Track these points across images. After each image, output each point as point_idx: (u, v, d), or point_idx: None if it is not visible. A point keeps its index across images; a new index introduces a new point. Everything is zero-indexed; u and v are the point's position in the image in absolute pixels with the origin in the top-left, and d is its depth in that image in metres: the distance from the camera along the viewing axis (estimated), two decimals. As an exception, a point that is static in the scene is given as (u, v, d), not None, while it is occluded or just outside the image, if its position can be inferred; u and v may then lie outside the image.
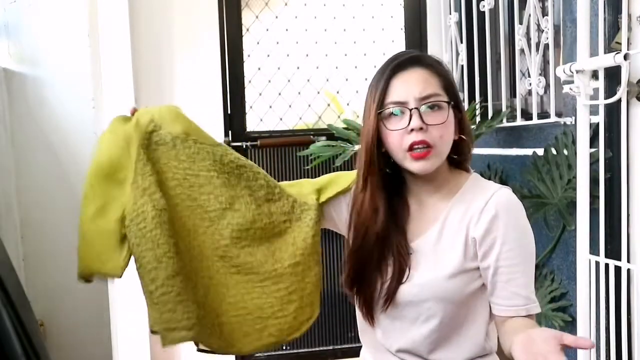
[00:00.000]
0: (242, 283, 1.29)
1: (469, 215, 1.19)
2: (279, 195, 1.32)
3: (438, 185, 1.25)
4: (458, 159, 1.26)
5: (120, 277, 1.26)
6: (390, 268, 1.23)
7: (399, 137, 1.18)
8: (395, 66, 1.21)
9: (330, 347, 2.96)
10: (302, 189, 1.35)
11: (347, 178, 1.34)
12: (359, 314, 1.32)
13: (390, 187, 1.27)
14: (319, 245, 1.33)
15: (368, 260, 1.25)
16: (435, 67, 1.22)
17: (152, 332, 1.20)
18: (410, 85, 1.19)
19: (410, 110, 1.17)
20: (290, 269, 1.30)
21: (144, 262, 1.20)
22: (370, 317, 1.27)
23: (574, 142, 1.99)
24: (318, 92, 3.01)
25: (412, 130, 1.16)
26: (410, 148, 1.17)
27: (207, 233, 1.28)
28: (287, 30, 2.98)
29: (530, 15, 2.30)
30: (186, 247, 1.26)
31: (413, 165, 1.19)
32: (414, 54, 1.25)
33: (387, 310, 1.24)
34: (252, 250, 1.29)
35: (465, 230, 1.19)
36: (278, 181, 1.36)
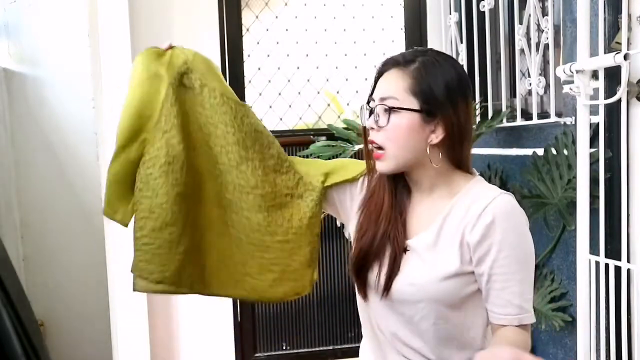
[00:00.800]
0: (233, 238, 1.33)
1: (466, 219, 1.19)
2: (286, 169, 1.35)
3: (432, 185, 1.25)
4: (452, 160, 1.24)
5: (127, 226, 1.32)
6: (387, 259, 1.24)
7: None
8: (380, 65, 1.25)
9: (330, 347, 2.96)
10: (311, 169, 1.37)
11: (356, 167, 1.36)
12: (359, 300, 1.33)
13: (397, 180, 1.28)
14: (317, 227, 1.35)
15: (371, 243, 1.26)
16: (416, 68, 1.19)
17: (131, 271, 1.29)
18: (381, 85, 1.23)
19: (371, 109, 1.22)
20: (279, 245, 1.33)
21: (140, 208, 1.26)
22: (363, 292, 1.29)
23: (574, 142, 1.99)
24: (318, 92, 3.01)
25: (371, 128, 1.21)
26: (371, 144, 1.23)
27: (216, 181, 1.32)
28: (287, 30, 2.98)
29: (530, 15, 2.30)
30: (196, 189, 1.30)
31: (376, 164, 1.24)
32: (399, 54, 1.25)
33: (385, 300, 1.24)
34: (248, 215, 1.32)
35: (461, 234, 1.19)
36: None
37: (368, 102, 1.25)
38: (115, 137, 1.28)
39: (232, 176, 1.30)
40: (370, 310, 1.30)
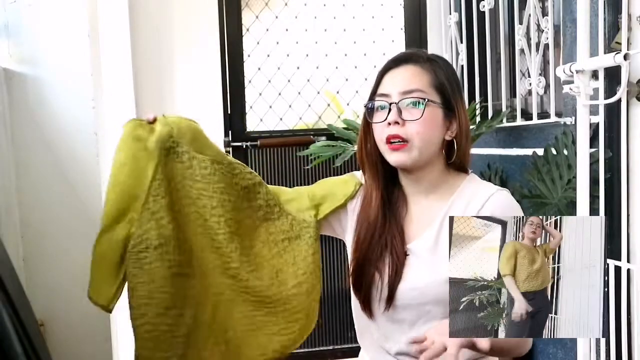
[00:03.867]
0: (251, 302, 1.29)
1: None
2: (278, 215, 1.32)
3: (431, 186, 1.25)
4: (451, 160, 1.26)
5: (110, 312, 1.24)
6: (387, 268, 1.24)
7: (380, 130, 1.22)
8: (389, 63, 1.25)
9: (330, 347, 2.96)
10: (301, 204, 1.34)
11: (344, 189, 1.34)
12: (356, 312, 1.32)
13: (389, 186, 1.28)
14: (319, 262, 1.33)
15: (368, 257, 1.26)
16: (430, 65, 1.23)
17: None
18: (396, 80, 1.22)
19: (390, 104, 1.20)
20: (295, 289, 1.30)
21: (137, 294, 1.19)
22: (368, 310, 1.28)
23: (574, 142, 1.99)
24: (318, 92, 3.01)
25: (389, 123, 1.20)
26: (388, 141, 1.20)
27: (217, 253, 1.27)
28: (287, 30, 2.98)
29: (530, 15, 2.30)
30: (197, 264, 1.25)
31: (390, 157, 1.22)
32: (410, 51, 1.28)
33: (388, 311, 1.24)
34: (258, 275, 1.28)
35: None
36: (278, 183, 1.36)
37: (372, 99, 1.24)
38: (102, 216, 1.21)
39: (235, 243, 1.27)
40: (374, 325, 1.29)
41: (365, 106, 1.26)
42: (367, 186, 1.30)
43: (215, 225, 1.26)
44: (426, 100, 1.19)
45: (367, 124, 1.26)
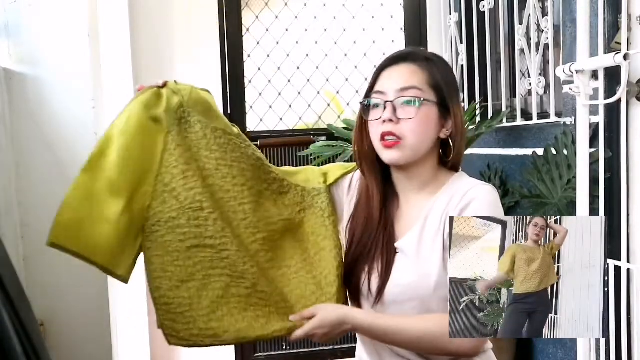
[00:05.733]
0: (279, 277, 1.26)
1: (446, 211, 1.20)
2: (287, 188, 1.32)
3: (422, 183, 1.26)
4: (445, 159, 1.27)
5: (127, 282, 1.22)
6: (377, 264, 1.25)
7: (375, 127, 1.23)
8: (386, 61, 1.26)
9: (330, 347, 2.96)
10: (308, 175, 1.36)
11: (344, 165, 1.39)
12: (350, 303, 1.33)
13: (384, 182, 1.30)
14: (338, 225, 1.34)
15: (361, 253, 1.27)
16: (427, 64, 1.24)
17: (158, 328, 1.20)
18: (393, 78, 1.23)
19: (385, 102, 1.21)
20: (318, 256, 1.30)
21: (152, 268, 1.18)
22: (357, 303, 1.30)
23: (574, 142, 1.99)
24: (318, 92, 3.01)
25: (384, 121, 1.20)
26: (382, 138, 1.21)
27: (240, 227, 1.24)
28: (287, 30, 2.98)
29: (530, 15, 2.31)
30: (231, 233, 1.22)
31: (384, 155, 1.22)
32: (408, 50, 1.29)
33: (376, 306, 1.25)
34: (281, 244, 1.28)
35: (442, 227, 1.20)
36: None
37: (368, 96, 1.25)
38: (114, 190, 1.17)
39: (261, 212, 1.25)
40: (363, 305, 1.30)
41: (361, 103, 1.27)
42: (366, 183, 1.30)
43: (239, 195, 1.23)
44: (422, 99, 1.20)
45: (363, 122, 1.27)
